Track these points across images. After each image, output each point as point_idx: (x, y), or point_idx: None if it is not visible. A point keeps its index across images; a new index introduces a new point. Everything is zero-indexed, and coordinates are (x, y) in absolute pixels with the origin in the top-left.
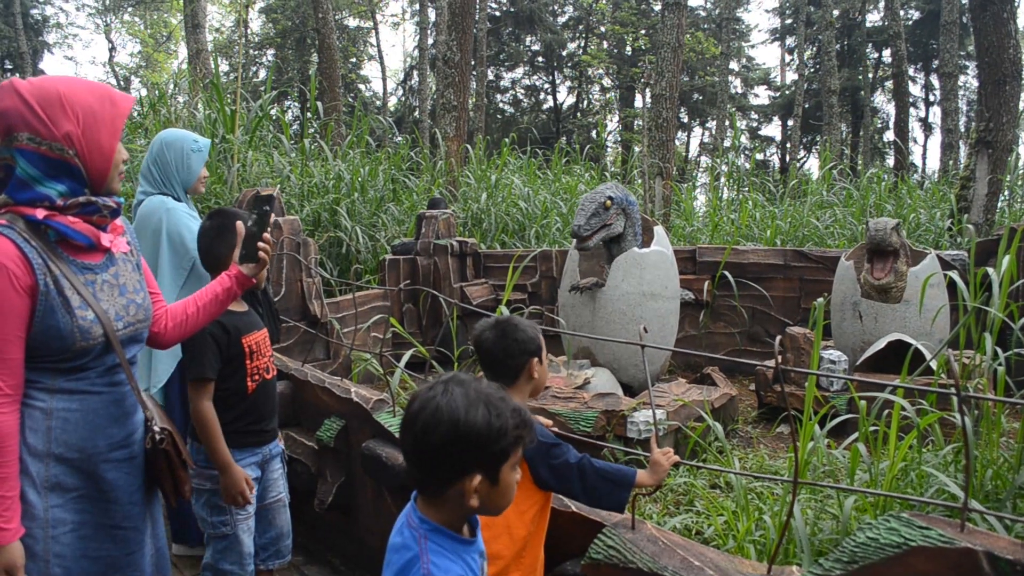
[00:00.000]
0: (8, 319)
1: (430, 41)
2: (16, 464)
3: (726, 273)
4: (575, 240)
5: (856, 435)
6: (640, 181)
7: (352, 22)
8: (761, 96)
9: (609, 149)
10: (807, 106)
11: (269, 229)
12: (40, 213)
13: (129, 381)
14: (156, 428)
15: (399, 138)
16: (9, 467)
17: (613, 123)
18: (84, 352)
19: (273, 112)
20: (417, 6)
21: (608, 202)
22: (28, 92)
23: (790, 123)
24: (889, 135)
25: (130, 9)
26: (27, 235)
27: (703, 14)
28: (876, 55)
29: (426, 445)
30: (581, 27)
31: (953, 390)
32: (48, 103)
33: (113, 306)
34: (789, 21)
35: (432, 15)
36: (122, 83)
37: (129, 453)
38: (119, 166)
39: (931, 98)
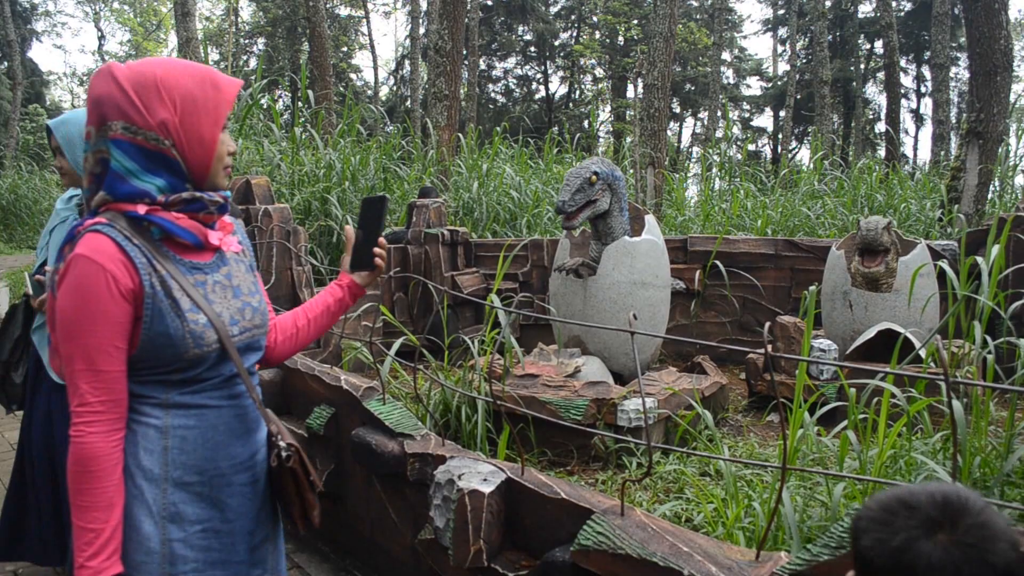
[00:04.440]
0: (103, 326)
1: (422, 30)
2: (103, 492)
3: (717, 263)
4: (561, 218)
5: (845, 422)
6: (632, 171)
7: (343, 11)
8: (753, 87)
9: (601, 139)
10: (799, 97)
11: (384, 234)
12: (142, 209)
13: (250, 393)
14: (282, 444)
15: (390, 127)
16: (96, 495)
17: (605, 113)
18: (198, 361)
19: (264, 101)
20: None
21: (593, 177)
22: (124, 77)
23: (782, 114)
24: (880, 126)
25: None
26: (129, 233)
27: (695, 4)
28: (868, 46)
29: None
30: (573, 17)
31: (942, 377)
32: (143, 88)
33: (227, 309)
34: (781, 12)
35: (424, 4)
36: None
37: (252, 476)
38: (223, 158)
39: (923, 89)
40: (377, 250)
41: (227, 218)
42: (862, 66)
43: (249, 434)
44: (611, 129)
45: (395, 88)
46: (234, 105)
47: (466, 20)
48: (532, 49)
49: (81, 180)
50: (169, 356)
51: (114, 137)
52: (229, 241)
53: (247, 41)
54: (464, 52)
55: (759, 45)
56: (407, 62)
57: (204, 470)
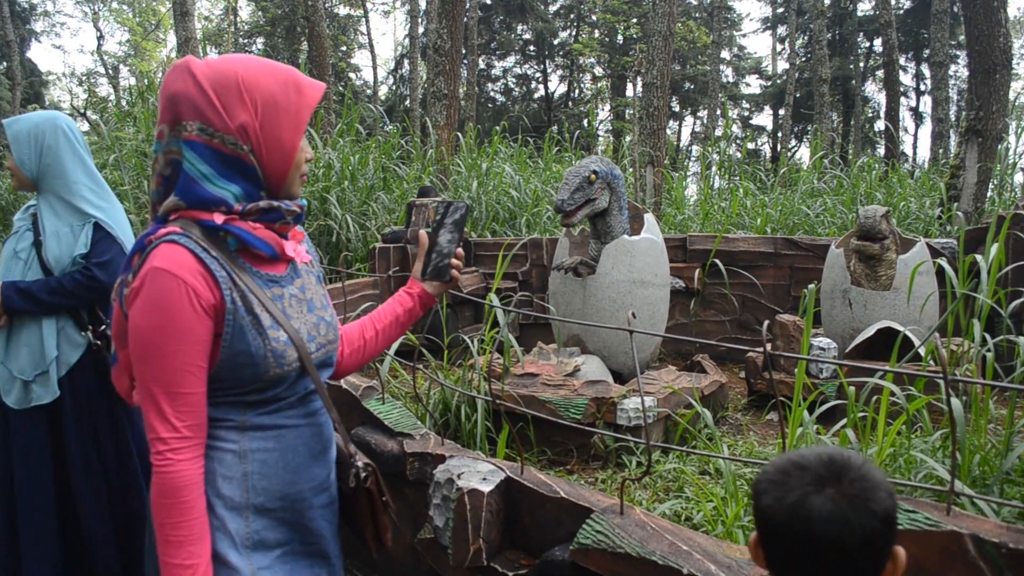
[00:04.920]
0: (186, 345)
1: (421, 29)
2: (195, 524)
3: (716, 261)
4: (560, 216)
5: (845, 421)
6: (631, 170)
7: (342, 10)
8: (752, 85)
9: (600, 138)
10: (798, 95)
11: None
12: (218, 218)
13: (329, 411)
14: (359, 464)
15: (389, 126)
16: (190, 527)
17: (604, 112)
18: (279, 380)
19: None
20: None
21: (592, 176)
22: (203, 74)
23: (781, 112)
24: (880, 124)
25: None
26: (205, 244)
27: (695, 3)
28: (867, 44)
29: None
30: (572, 16)
31: (941, 376)
32: (224, 88)
33: (304, 325)
34: (780, 10)
35: (423, 3)
36: (111, 71)
37: (329, 497)
38: (301, 166)
39: (922, 87)
40: (455, 261)
41: (298, 227)
42: (861, 64)
43: (325, 453)
44: (610, 128)
45: (394, 87)
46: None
47: (465, 19)
48: (531, 48)
49: (27, 182)
50: (248, 376)
51: (188, 138)
52: (300, 251)
53: (246, 41)
54: (463, 51)
55: (758, 43)
56: (406, 61)
57: (286, 495)
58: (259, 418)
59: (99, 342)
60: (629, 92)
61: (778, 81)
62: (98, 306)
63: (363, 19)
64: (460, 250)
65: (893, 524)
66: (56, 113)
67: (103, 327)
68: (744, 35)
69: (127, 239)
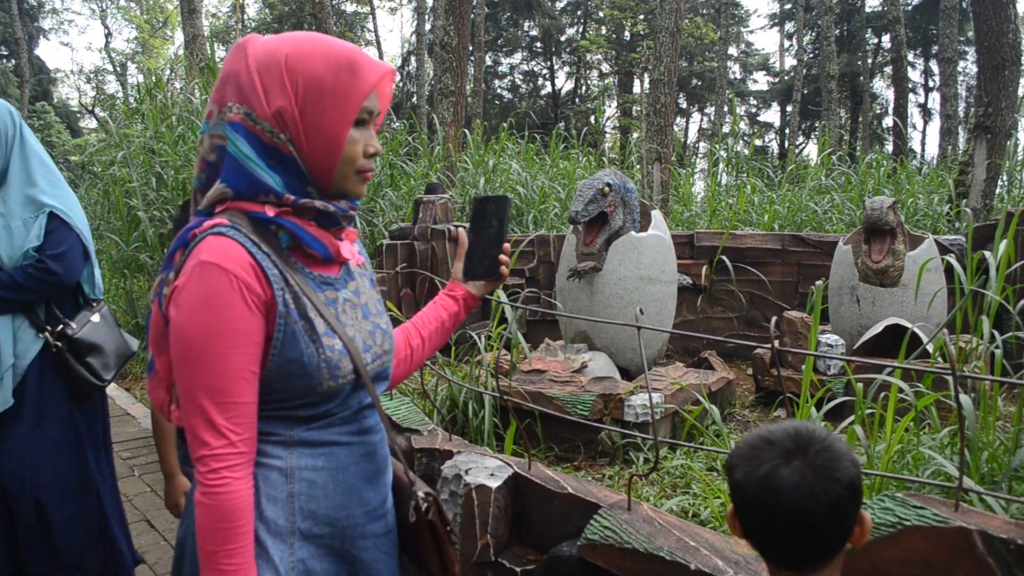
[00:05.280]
0: (239, 348)
1: (427, 26)
2: (248, 552)
3: (724, 258)
4: (573, 226)
5: (852, 417)
6: (638, 166)
7: (349, 7)
8: (760, 82)
9: (607, 134)
10: (806, 92)
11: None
12: (270, 210)
13: (387, 429)
14: (420, 494)
15: (396, 123)
16: (243, 555)
17: (611, 108)
18: (331, 394)
19: None
20: None
21: (606, 188)
22: (253, 53)
23: (789, 109)
24: (888, 121)
25: None
26: (256, 238)
27: None
28: (875, 40)
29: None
30: (579, 12)
31: (949, 372)
32: (268, 70)
33: (359, 332)
34: (788, 6)
35: (429, 0)
36: (118, 69)
37: (386, 525)
38: (355, 160)
39: (930, 84)
40: (503, 257)
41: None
42: (869, 60)
43: (380, 475)
44: (617, 125)
45: (401, 84)
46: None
47: (472, 16)
48: (538, 45)
49: None
50: (300, 388)
51: (232, 120)
52: (354, 252)
53: None
54: (470, 48)
55: (766, 40)
56: (413, 58)
57: (335, 520)
58: (308, 433)
59: (59, 343)
60: (636, 89)
61: (786, 77)
62: (55, 303)
63: (370, 16)
64: (507, 244)
65: (858, 491)
66: (2, 101)
67: (61, 327)
68: (751, 31)
69: (84, 229)
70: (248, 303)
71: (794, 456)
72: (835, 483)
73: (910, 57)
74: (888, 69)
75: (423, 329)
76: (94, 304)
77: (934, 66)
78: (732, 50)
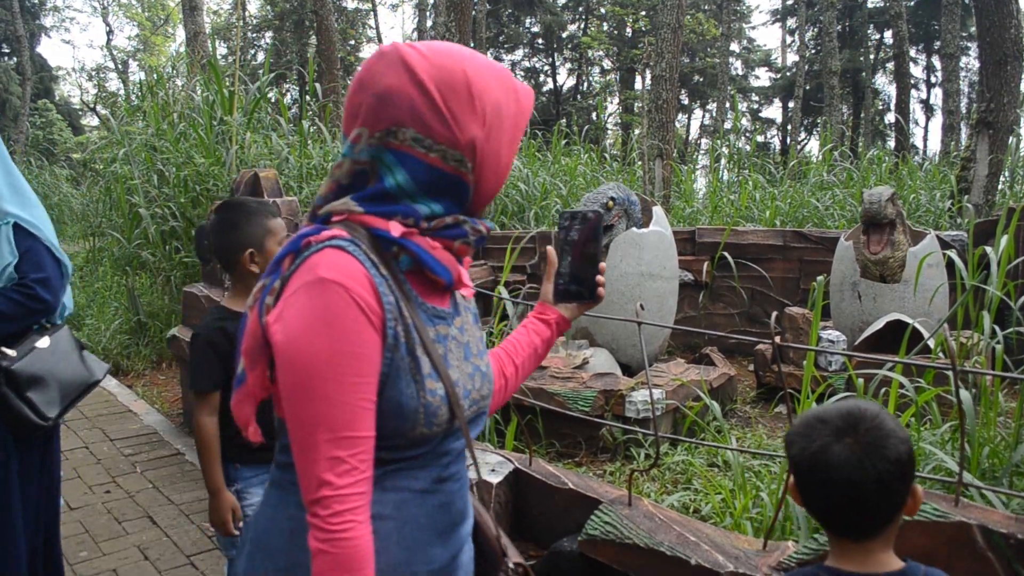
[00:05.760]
0: (365, 375)
1: (429, 23)
2: None
3: (725, 254)
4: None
5: None
6: (640, 163)
7: (350, 4)
8: (762, 78)
9: (609, 131)
10: (808, 88)
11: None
12: (395, 229)
13: (478, 476)
14: (510, 564)
15: None
16: None
17: (613, 105)
18: (421, 442)
19: (271, 94)
20: None
21: (611, 202)
22: (424, 70)
23: (791, 105)
24: (890, 116)
25: None
26: (375, 257)
27: None
28: (877, 36)
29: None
30: (581, 8)
31: (950, 367)
32: (452, 91)
33: (461, 375)
34: (790, 2)
35: None
36: (120, 66)
37: None
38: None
39: (932, 79)
40: (600, 277)
41: None
42: (871, 56)
43: (454, 530)
44: (619, 121)
45: None
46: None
47: (473, 12)
48: (540, 41)
49: None
50: (389, 430)
51: (398, 148)
52: (468, 280)
53: (255, 35)
54: (472, 44)
55: (768, 36)
56: None
57: None
58: (381, 477)
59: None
60: (638, 85)
61: (787, 73)
62: None
63: (371, 13)
64: (603, 264)
65: (906, 466)
66: None
67: None
68: (753, 27)
69: (56, 244)
70: (373, 327)
71: (845, 434)
72: (883, 459)
73: (912, 53)
74: (890, 65)
75: (516, 357)
76: (47, 327)
77: (936, 62)
78: (734, 46)
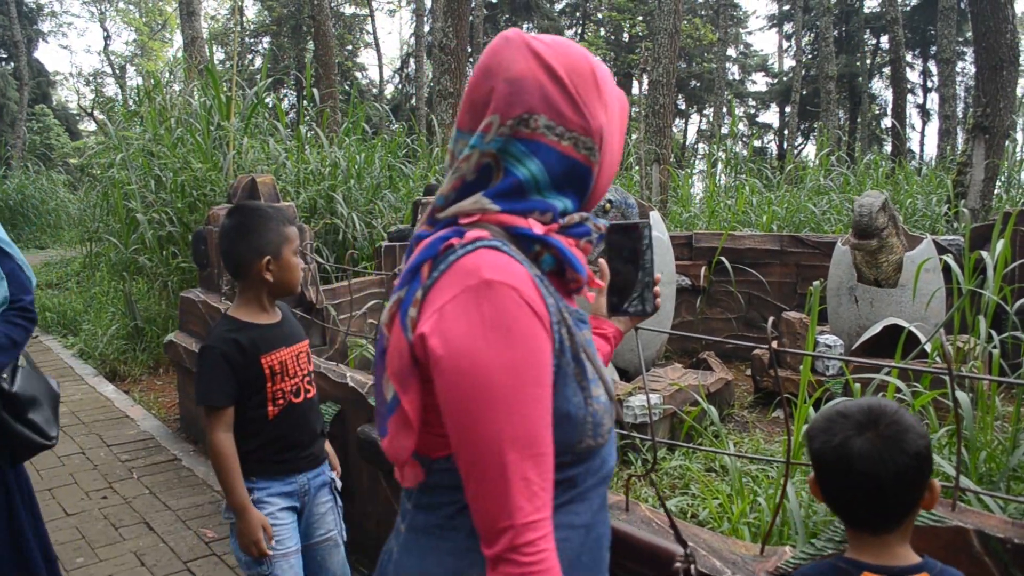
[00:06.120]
0: (547, 386)
1: (426, 28)
2: None
3: (722, 259)
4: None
5: None
6: (637, 167)
7: (348, 9)
8: (759, 83)
9: None
10: (805, 92)
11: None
12: (536, 227)
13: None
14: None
15: (395, 125)
16: None
17: None
18: (586, 456)
19: (269, 99)
20: None
21: (608, 205)
22: (553, 57)
23: (788, 109)
24: (887, 121)
25: None
26: (524, 260)
27: (700, 0)
28: (874, 41)
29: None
30: (578, 14)
31: (946, 372)
32: (581, 79)
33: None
34: (787, 7)
35: (428, 2)
36: (117, 71)
37: None
38: None
39: (929, 84)
40: (657, 289)
41: None
42: (868, 61)
43: (596, 567)
44: None
45: (400, 86)
46: None
47: (471, 17)
48: None
49: None
50: (557, 445)
51: (532, 137)
52: None
53: (252, 40)
54: (469, 50)
55: (764, 41)
56: (412, 60)
57: None
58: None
59: None
60: (635, 90)
61: (784, 78)
62: None
63: (369, 18)
64: (659, 275)
65: (924, 461)
66: None
67: None
68: (750, 32)
69: (23, 259)
70: (548, 332)
71: (865, 428)
72: (902, 453)
73: (908, 58)
74: (886, 70)
75: None
76: None
77: (932, 67)
78: (731, 51)
